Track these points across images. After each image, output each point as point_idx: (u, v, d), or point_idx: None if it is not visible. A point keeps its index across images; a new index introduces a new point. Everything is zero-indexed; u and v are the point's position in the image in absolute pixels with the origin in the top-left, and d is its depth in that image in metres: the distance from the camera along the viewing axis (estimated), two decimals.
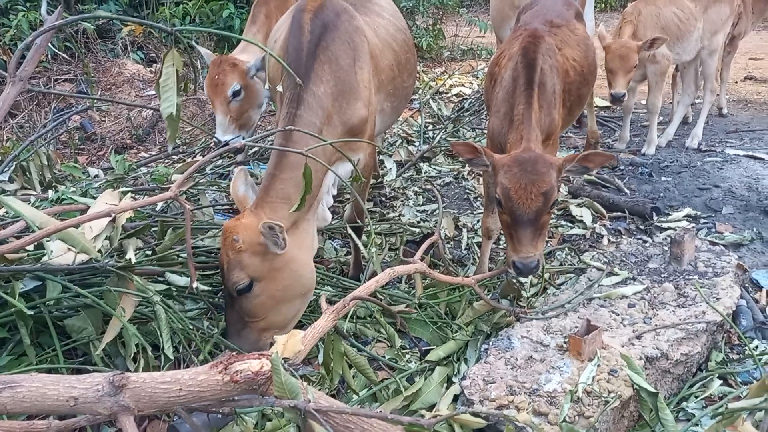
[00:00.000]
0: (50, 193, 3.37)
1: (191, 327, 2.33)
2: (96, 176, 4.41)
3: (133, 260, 2.19)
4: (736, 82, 7.59)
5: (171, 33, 1.97)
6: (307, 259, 2.49)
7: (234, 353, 1.49)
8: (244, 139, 3.87)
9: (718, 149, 5.09)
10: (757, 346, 2.72)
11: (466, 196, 4.61)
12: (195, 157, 4.81)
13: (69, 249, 2.13)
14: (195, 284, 1.92)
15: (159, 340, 2.28)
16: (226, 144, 3.85)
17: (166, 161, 4.83)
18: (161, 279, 2.63)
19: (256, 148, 5.36)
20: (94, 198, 3.22)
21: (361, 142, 2.80)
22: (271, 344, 2.13)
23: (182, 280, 2.66)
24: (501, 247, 3.75)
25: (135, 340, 2.17)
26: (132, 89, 6.09)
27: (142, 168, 4.56)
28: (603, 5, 16.11)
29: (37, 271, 2.06)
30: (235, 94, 3.93)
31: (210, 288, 2.90)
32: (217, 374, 1.39)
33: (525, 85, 2.70)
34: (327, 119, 2.56)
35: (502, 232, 2.77)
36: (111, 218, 1.94)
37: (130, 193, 2.51)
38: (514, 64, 2.83)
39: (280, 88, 2.41)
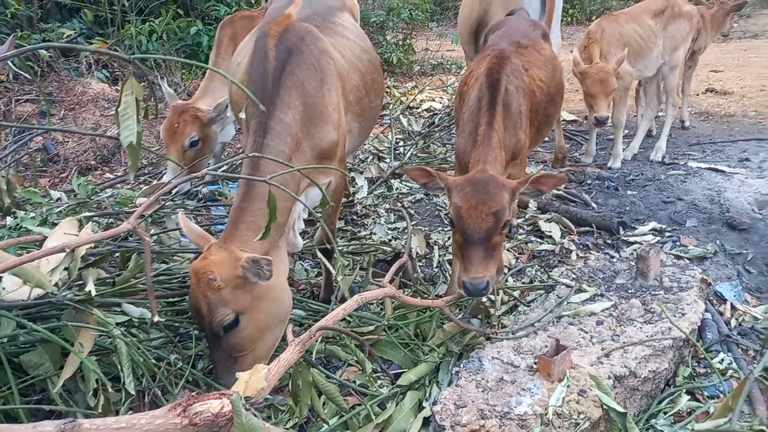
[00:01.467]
0: (8, 220, 3.26)
1: (153, 361, 2.25)
2: (58, 199, 4.30)
3: (93, 292, 2.12)
4: (698, 95, 7.80)
5: (129, 61, 1.93)
6: (284, 284, 2.48)
7: (193, 393, 1.45)
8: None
9: (681, 162, 5.21)
10: (722, 360, 2.77)
11: (437, 212, 4.62)
12: (162, 177, 4.73)
13: (24, 283, 2.05)
14: (156, 318, 1.86)
15: (119, 371, 2.22)
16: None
17: (131, 183, 4.73)
18: (119, 311, 2.55)
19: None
20: (55, 224, 3.14)
21: (332, 165, 2.78)
22: None
23: (144, 311, 2.59)
24: None
25: (95, 375, 2.09)
26: (96, 108, 5.97)
27: (107, 190, 4.46)
28: (569, 19, 16.48)
29: None
30: (193, 144, 3.97)
31: (176, 316, 2.84)
32: (176, 417, 1.35)
33: (488, 105, 2.73)
34: (296, 145, 2.53)
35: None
36: (67, 252, 1.87)
37: (90, 222, 2.43)
38: (479, 85, 2.86)
39: (242, 115, 2.37)
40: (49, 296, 2.08)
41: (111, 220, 3.87)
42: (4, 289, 1.98)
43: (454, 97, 7.73)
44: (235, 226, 2.31)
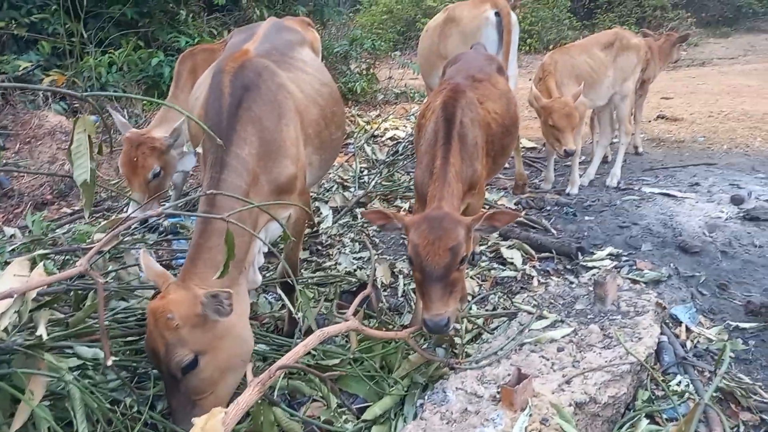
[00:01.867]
0: None
1: (108, 406, 2.18)
2: (12, 236, 4.16)
3: (45, 336, 2.05)
4: (650, 122, 8.12)
5: (82, 99, 1.91)
6: (245, 322, 2.43)
7: None
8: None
9: (635, 187, 5.39)
10: (680, 382, 2.84)
11: (401, 241, 4.64)
12: (121, 211, 4.65)
13: None
14: (110, 362, 1.82)
15: (73, 417, 2.15)
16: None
17: (89, 220, 4.62)
18: (71, 353, 2.48)
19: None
20: (8, 263, 3.03)
21: (291, 199, 2.78)
22: None
23: (98, 353, 2.52)
24: None
25: (46, 423, 2.02)
26: (53, 142, 5.85)
27: (63, 226, 4.35)
28: (527, 48, 17.01)
29: None
30: (155, 176, 3.94)
31: (134, 355, 2.77)
32: None
33: (444, 139, 2.79)
34: (253, 180, 2.53)
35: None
36: (15, 297, 1.81)
37: (42, 262, 2.36)
38: (435, 118, 2.92)
39: (200, 149, 2.37)
40: None
41: (67, 256, 3.78)
42: None
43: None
44: (193, 263, 2.28)
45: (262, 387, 1.79)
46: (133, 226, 3.94)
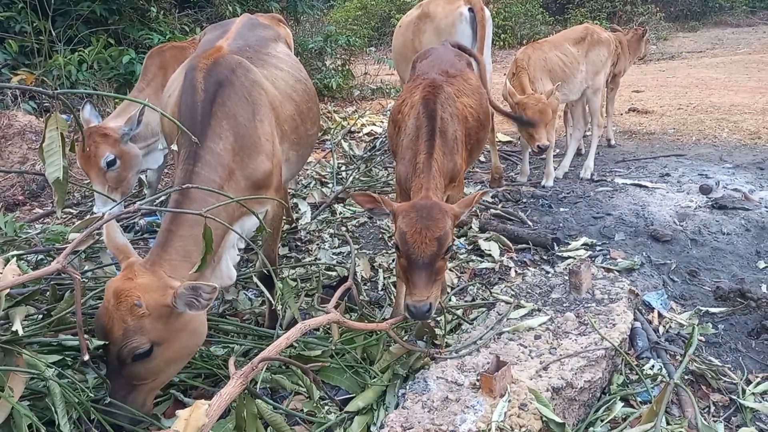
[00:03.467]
0: None
1: (90, 404, 2.17)
2: None
3: (20, 332, 2.03)
4: (621, 114, 8.28)
5: (53, 96, 1.89)
6: (203, 316, 2.41)
7: None
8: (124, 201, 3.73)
9: (608, 179, 5.51)
10: (653, 366, 2.92)
11: (380, 235, 4.67)
12: (91, 210, 4.57)
13: None
14: (86, 357, 1.81)
15: (53, 413, 2.13)
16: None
17: (63, 219, 4.55)
18: (55, 346, 2.46)
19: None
20: None
21: (268, 194, 2.79)
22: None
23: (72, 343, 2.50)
24: None
25: (27, 421, 2.00)
26: (23, 141, 5.73)
27: (35, 226, 4.28)
28: (501, 43, 17.17)
29: None
30: (110, 164, 3.81)
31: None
32: None
33: (427, 135, 2.83)
34: (228, 175, 2.53)
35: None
36: None
37: (14, 259, 2.33)
38: (416, 114, 2.95)
39: (174, 147, 2.36)
40: None
41: (41, 257, 3.72)
42: None
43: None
44: (164, 249, 2.26)
45: (245, 379, 1.80)
46: (116, 208, 3.88)
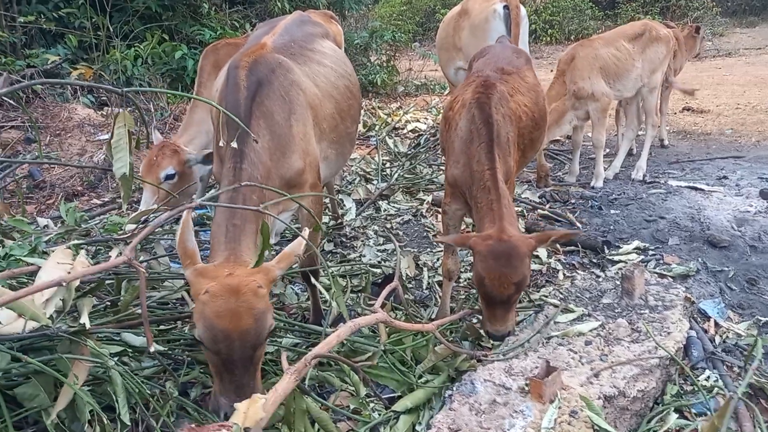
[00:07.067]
0: None
1: (148, 392, 2.25)
2: (46, 226, 4.27)
3: (88, 325, 2.12)
4: (675, 114, 8.01)
5: (122, 94, 1.96)
6: None
7: (193, 426, 1.46)
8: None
9: (661, 180, 5.34)
10: (708, 377, 2.83)
11: (425, 234, 4.67)
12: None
13: (19, 316, 2.04)
14: (152, 348, 1.87)
15: (113, 400, 2.21)
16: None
17: (119, 210, 4.72)
18: (117, 339, 2.56)
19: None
20: (45, 253, 3.12)
21: (302, 192, 2.83)
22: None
23: (138, 340, 2.59)
24: (462, 285, 3.81)
25: (89, 407, 2.08)
26: (82, 134, 5.95)
27: (96, 217, 4.45)
28: (548, 39, 16.84)
29: None
30: (168, 177, 4.00)
31: (167, 343, 2.84)
32: None
33: (486, 147, 2.80)
34: (267, 173, 2.59)
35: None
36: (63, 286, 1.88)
37: (83, 251, 2.43)
38: (470, 115, 2.92)
39: (222, 143, 2.42)
40: (43, 329, 2.08)
41: (100, 247, 3.87)
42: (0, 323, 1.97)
43: (440, 118, 7.89)
44: (238, 243, 2.30)
45: (298, 375, 1.83)
46: (164, 217, 4.02)
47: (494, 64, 3.36)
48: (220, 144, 2.55)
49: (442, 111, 8.19)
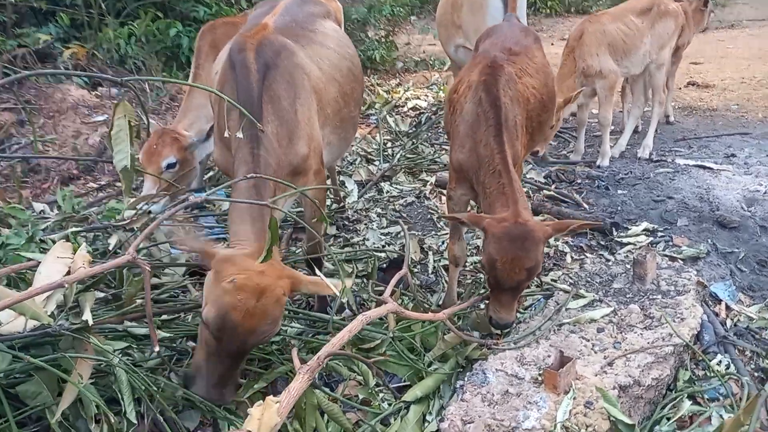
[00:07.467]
0: None
1: (154, 388, 2.20)
2: (42, 212, 4.19)
3: (90, 321, 2.05)
4: (680, 88, 7.87)
5: (122, 84, 1.87)
6: None
7: None
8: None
9: (668, 159, 5.25)
10: (720, 361, 2.80)
11: (429, 216, 4.59)
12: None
13: (19, 315, 1.98)
14: (157, 348, 1.82)
15: (117, 394, 2.16)
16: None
17: (118, 196, 4.63)
18: (120, 331, 2.50)
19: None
20: (43, 242, 3.05)
21: (306, 179, 2.77)
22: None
23: (142, 330, 2.54)
24: (468, 269, 3.75)
25: (94, 404, 2.04)
26: (77, 116, 5.82)
27: (93, 204, 4.38)
28: (548, 11, 16.53)
29: None
30: (170, 166, 3.92)
31: (170, 333, 2.80)
32: None
33: (494, 130, 2.71)
34: (278, 160, 2.52)
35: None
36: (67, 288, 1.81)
37: (83, 245, 2.35)
38: (476, 98, 2.82)
39: (240, 135, 2.33)
40: (45, 327, 2.02)
41: (98, 233, 3.80)
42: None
43: (441, 95, 7.76)
44: (258, 237, 2.25)
45: (311, 374, 1.78)
46: (162, 202, 3.94)
47: (501, 45, 3.25)
48: (226, 135, 2.46)
49: (442, 88, 8.14)
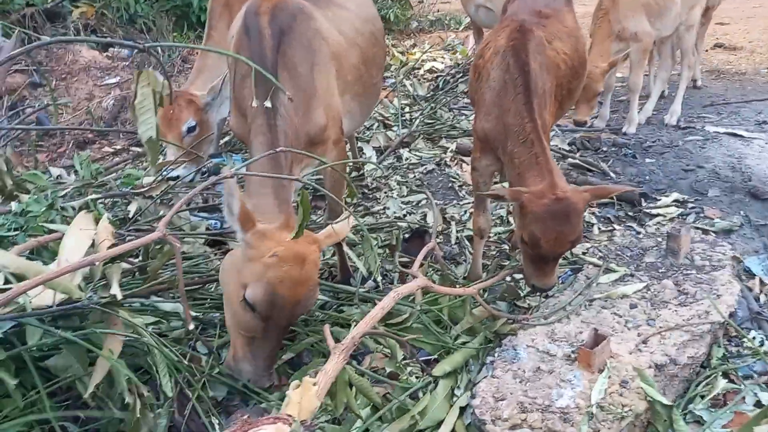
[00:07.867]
0: (13, 206, 3.12)
1: (186, 363, 2.18)
2: (59, 176, 4.14)
3: (119, 296, 2.02)
4: (707, 51, 7.60)
5: (144, 50, 1.77)
6: None
7: (246, 418, 1.37)
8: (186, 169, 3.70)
9: (697, 126, 5.09)
10: (754, 337, 2.74)
11: (450, 184, 4.50)
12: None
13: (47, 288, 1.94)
14: (191, 326, 1.78)
15: (144, 364, 2.21)
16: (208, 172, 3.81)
17: (135, 162, 4.57)
18: (147, 305, 2.48)
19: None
20: (63, 209, 3.00)
21: (325, 148, 2.70)
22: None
23: (169, 305, 2.52)
24: (492, 240, 3.68)
25: (125, 376, 2.02)
26: (89, 78, 5.72)
27: (109, 171, 4.32)
28: None
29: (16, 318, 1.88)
30: (190, 129, 3.81)
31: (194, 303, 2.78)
32: None
33: (524, 98, 2.61)
34: (295, 130, 2.43)
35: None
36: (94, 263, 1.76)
37: (105, 215, 2.30)
38: (504, 64, 2.69)
39: (255, 104, 2.24)
40: (74, 301, 1.98)
41: (117, 200, 3.75)
42: (30, 300, 1.87)
43: (459, 58, 7.54)
44: (290, 205, 2.26)
45: (346, 354, 1.74)
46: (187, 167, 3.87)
47: (531, 7, 3.09)
48: (253, 104, 2.37)
49: (459, 49, 7.90)
